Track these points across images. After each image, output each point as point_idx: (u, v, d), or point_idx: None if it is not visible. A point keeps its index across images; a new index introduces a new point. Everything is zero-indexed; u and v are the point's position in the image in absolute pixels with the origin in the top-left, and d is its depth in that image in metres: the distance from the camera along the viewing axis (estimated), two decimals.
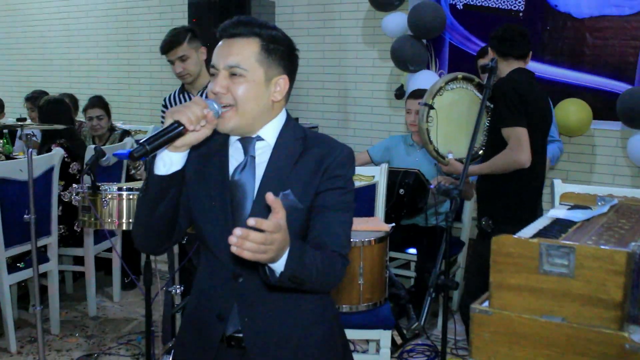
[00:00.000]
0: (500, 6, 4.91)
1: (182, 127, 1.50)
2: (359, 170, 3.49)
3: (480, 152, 3.38)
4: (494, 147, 3.21)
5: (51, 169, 3.86)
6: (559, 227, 1.70)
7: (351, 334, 2.76)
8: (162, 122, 3.54)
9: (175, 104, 3.46)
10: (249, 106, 1.61)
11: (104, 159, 3.24)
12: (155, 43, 6.81)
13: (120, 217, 2.94)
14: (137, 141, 2.75)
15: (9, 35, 8.69)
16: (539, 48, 4.70)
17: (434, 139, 3.30)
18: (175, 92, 3.53)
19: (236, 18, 1.64)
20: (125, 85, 7.48)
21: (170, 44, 3.34)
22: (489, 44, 3.36)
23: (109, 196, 2.93)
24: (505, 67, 3.25)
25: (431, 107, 3.27)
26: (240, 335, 1.68)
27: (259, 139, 1.68)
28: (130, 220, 2.92)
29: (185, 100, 3.42)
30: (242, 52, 1.60)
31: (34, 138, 3.95)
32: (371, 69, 5.80)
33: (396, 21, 5.09)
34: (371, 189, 3.54)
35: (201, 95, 3.37)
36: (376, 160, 4.34)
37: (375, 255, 2.91)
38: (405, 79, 5.26)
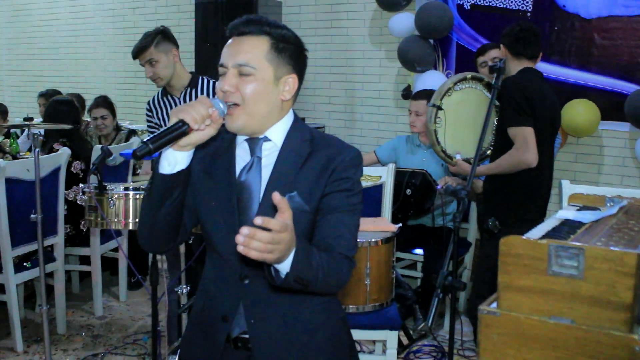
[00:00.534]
0: (508, 6, 4.90)
1: (186, 126, 1.49)
2: (365, 170, 3.48)
3: (489, 152, 3.37)
4: (502, 147, 3.19)
5: (58, 169, 3.87)
6: (567, 228, 1.69)
7: (358, 334, 2.75)
8: (148, 126, 3.55)
9: (159, 106, 3.44)
10: (257, 105, 1.60)
11: (110, 158, 3.24)
12: None
13: (126, 216, 2.94)
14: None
15: (17, 35, 8.73)
16: (547, 48, 4.68)
17: (442, 140, 3.29)
18: (158, 94, 3.51)
19: (246, 17, 1.64)
20: (132, 85, 7.49)
21: (137, 49, 3.33)
22: (501, 42, 3.32)
23: (116, 196, 2.93)
24: (516, 66, 3.23)
25: (439, 108, 3.26)
26: (247, 336, 1.68)
27: (266, 139, 1.67)
28: (137, 220, 2.92)
29: (168, 103, 3.40)
30: (251, 51, 1.59)
31: (40, 137, 3.97)
32: (378, 69, 5.79)
33: (403, 21, 5.08)
34: (378, 189, 3.53)
35: (184, 96, 3.35)
36: (383, 161, 4.34)
37: (381, 256, 2.90)
38: (412, 79, 5.25)
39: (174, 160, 1.56)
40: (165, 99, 3.43)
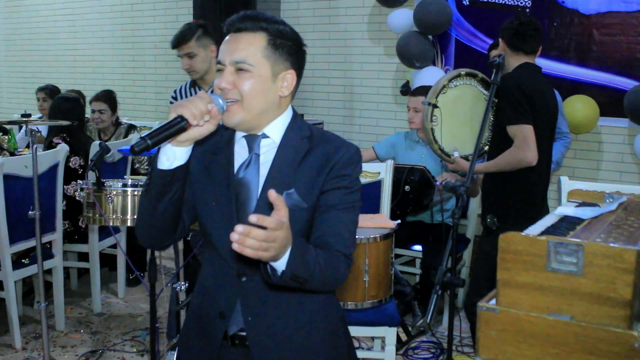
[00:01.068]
0: (507, 2, 4.88)
1: (185, 122, 1.48)
2: (364, 166, 3.45)
3: (486, 147, 3.36)
4: (498, 144, 3.18)
5: (56, 165, 3.86)
6: (566, 224, 1.69)
7: (356, 331, 2.75)
8: None
9: (185, 96, 3.46)
10: (255, 101, 1.59)
11: (108, 155, 3.24)
12: (161, 39, 6.84)
13: (125, 213, 2.93)
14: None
15: (15, 31, 8.70)
16: (546, 44, 4.66)
17: (439, 138, 3.28)
18: (186, 85, 3.52)
19: (243, 13, 1.63)
20: (130, 82, 7.47)
21: (178, 40, 3.35)
22: (500, 36, 3.29)
23: (114, 192, 2.92)
24: (514, 61, 3.20)
25: (435, 106, 3.25)
26: (244, 334, 1.67)
27: (265, 136, 1.66)
28: (135, 217, 2.91)
29: (194, 94, 3.41)
30: (248, 47, 1.58)
31: (39, 133, 3.98)
32: (377, 65, 5.77)
33: (402, 17, 5.07)
34: (377, 185, 3.53)
35: (211, 92, 3.35)
36: (382, 157, 4.33)
37: (380, 252, 2.90)
38: (411, 76, 5.24)
39: (173, 155, 1.55)
40: (192, 90, 3.46)
